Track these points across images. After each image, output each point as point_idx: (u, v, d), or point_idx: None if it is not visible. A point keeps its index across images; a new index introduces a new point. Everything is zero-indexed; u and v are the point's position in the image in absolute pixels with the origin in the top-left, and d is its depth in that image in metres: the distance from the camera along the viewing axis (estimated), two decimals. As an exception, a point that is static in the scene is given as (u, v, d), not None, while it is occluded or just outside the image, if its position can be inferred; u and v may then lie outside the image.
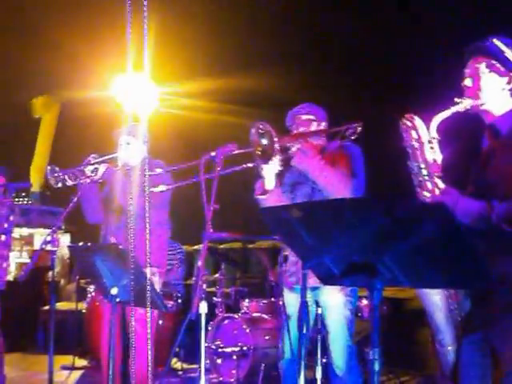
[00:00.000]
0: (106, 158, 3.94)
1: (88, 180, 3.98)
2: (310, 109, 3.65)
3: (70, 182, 3.91)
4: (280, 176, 3.40)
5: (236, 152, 3.26)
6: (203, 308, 3.12)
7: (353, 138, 3.41)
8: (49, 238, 3.57)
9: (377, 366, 2.10)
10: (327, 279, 2.56)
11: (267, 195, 3.34)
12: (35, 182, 10.26)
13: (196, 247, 8.81)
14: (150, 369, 4.00)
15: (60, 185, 3.91)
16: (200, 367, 5.20)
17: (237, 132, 3.53)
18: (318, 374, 3.34)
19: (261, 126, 3.08)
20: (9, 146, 10.99)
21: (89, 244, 3.78)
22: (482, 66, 2.48)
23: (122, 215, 4.05)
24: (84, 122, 10.32)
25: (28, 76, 10.99)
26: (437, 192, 2.42)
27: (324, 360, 3.48)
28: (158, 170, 3.86)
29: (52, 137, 12.20)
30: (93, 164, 3.95)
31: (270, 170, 3.28)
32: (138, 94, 8.88)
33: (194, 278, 6.74)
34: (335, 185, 3.34)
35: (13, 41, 10.38)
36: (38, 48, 10.22)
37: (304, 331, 3.01)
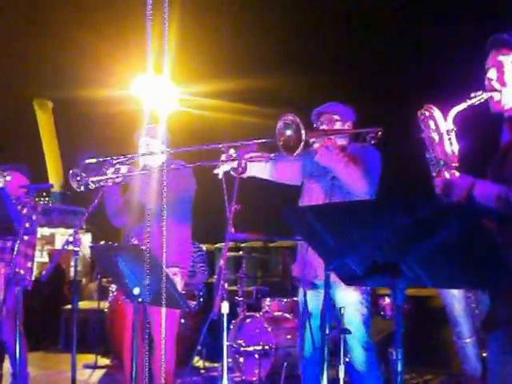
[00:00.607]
0: (127, 159, 3.93)
1: (110, 182, 3.98)
2: (336, 108, 3.66)
3: (92, 185, 3.91)
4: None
5: (256, 143, 3.28)
6: (225, 308, 3.11)
7: (373, 142, 3.43)
8: (71, 239, 3.57)
9: (400, 367, 2.09)
10: (350, 280, 2.55)
11: (247, 171, 3.46)
12: (54, 182, 10.36)
13: (217, 245, 8.82)
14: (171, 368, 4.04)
15: (82, 188, 3.91)
16: (222, 366, 5.22)
17: (256, 132, 3.53)
18: (341, 374, 3.32)
19: (290, 117, 3.09)
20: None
21: (110, 244, 3.80)
22: (506, 59, 2.43)
23: (143, 216, 4.07)
24: (105, 121, 10.39)
25: (48, 75, 11.09)
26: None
27: (347, 359, 3.47)
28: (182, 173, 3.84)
29: (54, 135, 12.30)
30: (114, 165, 3.95)
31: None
32: (157, 94, 8.92)
33: (215, 277, 6.75)
34: (356, 183, 3.37)
35: (34, 40, 10.47)
36: (59, 47, 10.30)
37: (327, 331, 2.99)
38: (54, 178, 11.54)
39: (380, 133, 3.42)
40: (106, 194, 4.13)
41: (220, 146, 3.27)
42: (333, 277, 3.00)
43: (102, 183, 3.91)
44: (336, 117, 3.64)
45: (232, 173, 3.36)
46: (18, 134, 11.57)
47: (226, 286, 3.23)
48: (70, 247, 3.99)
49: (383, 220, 2.05)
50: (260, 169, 3.55)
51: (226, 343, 3.19)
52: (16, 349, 4.25)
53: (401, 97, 6.54)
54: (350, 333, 3.41)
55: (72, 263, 8.58)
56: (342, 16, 7.90)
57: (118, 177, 3.95)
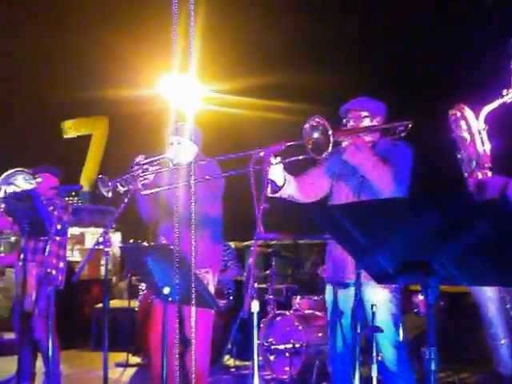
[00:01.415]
0: (155, 158, 3.93)
1: (139, 184, 3.98)
2: (364, 104, 3.60)
3: (121, 189, 3.91)
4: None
5: (286, 146, 3.24)
6: (255, 307, 3.09)
7: (402, 135, 3.38)
8: (101, 239, 3.59)
9: (433, 366, 2.05)
10: (381, 278, 2.51)
11: (281, 191, 3.36)
12: (86, 182, 10.47)
13: (246, 243, 8.83)
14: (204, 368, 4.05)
15: (111, 194, 3.92)
16: (253, 365, 5.21)
17: (284, 129, 3.51)
18: (374, 372, 3.29)
19: (316, 119, 3.06)
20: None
21: (140, 244, 3.81)
22: None
23: (172, 215, 4.07)
24: (133, 120, 10.46)
25: (76, 75, 11.18)
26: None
27: (380, 358, 3.44)
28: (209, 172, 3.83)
29: (102, 150, 12.41)
30: (142, 166, 3.95)
31: (278, 170, 3.29)
32: (184, 93, 8.93)
33: (245, 275, 6.74)
34: (385, 182, 3.33)
35: (62, 40, 10.56)
36: (86, 47, 10.39)
37: (358, 330, 2.96)
38: (85, 177, 11.66)
39: (410, 125, 3.35)
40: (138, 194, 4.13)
41: (251, 152, 3.20)
42: (363, 275, 2.97)
43: (130, 186, 3.91)
44: (364, 113, 3.58)
45: (268, 192, 3.31)
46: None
47: (255, 284, 3.21)
48: (101, 247, 4.01)
49: (415, 218, 2.03)
50: (294, 189, 3.46)
51: (256, 342, 3.16)
52: (49, 348, 4.29)
53: (431, 94, 6.46)
54: (381, 331, 3.38)
55: (102, 262, 8.71)
56: (372, 12, 7.83)
57: (146, 178, 3.94)
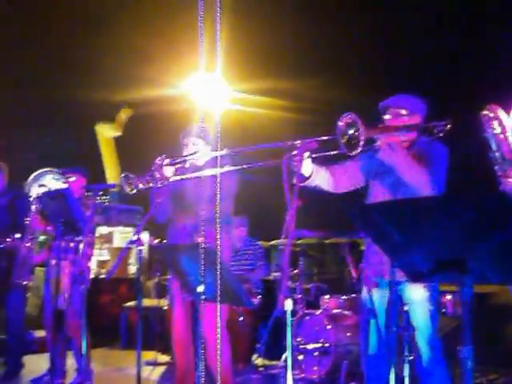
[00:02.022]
0: (175, 159, 3.96)
1: (159, 183, 4.01)
2: (403, 101, 3.56)
3: (142, 187, 3.95)
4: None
5: (316, 146, 3.24)
6: (288, 305, 3.10)
7: (440, 135, 3.35)
8: (134, 238, 3.62)
9: (469, 364, 2.05)
10: (415, 276, 2.51)
11: (309, 180, 3.38)
12: (112, 181, 10.55)
13: (272, 243, 8.83)
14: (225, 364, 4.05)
15: (135, 191, 3.96)
16: (287, 364, 5.21)
17: (310, 130, 3.49)
18: (406, 371, 3.29)
19: (349, 116, 3.05)
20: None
21: (174, 243, 3.84)
22: None
23: (189, 214, 4.10)
24: (158, 120, 10.50)
25: (101, 76, 11.25)
26: None
27: (411, 357, 3.42)
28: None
29: (114, 147, 12.46)
30: (163, 167, 3.97)
31: (306, 165, 3.32)
32: (210, 93, 8.97)
33: (273, 274, 6.75)
34: (420, 182, 3.32)
35: (86, 40, 10.64)
36: (112, 47, 10.45)
37: (394, 328, 2.95)
38: (112, 176, 11.73)
39: (448, 125, 3.33)
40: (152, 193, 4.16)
41: (285, 144, 3.22)
42: (400, 274, 2.95)
43: (151, 184, 3.94)
44: (403, 111, 3.54)
45: (294, 181, 3.32)
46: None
47: (289, 283, 3.21)
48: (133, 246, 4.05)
49: (450, 216, 2.03)
50: (323, 179, 3.48)
51: (289, 340, 3.16)
52: (81, 346, 4.33)
53: (465, 93, 6.41)
54: (414, 330, 3.37)
55: (129, 261, 8.77)
56: (404, 13, 7.79)
57: (166, 178, 3.96)
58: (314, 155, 3.27)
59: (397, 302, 3.09)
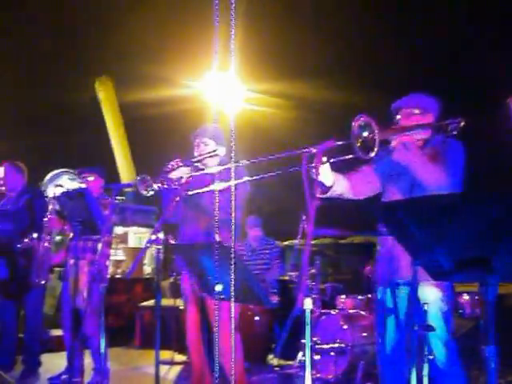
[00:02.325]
0: (188, 160, 3.98)
1: (173, 185, 4.02)
2: (415, 101, 3.55)
3: (156, 188, 3.97)
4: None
5: (336, 145, 3.22)
6: (308, 304, 3.09)
7: (455, 133, 3.32)
8: (153, 237, 3.63)
9: (493, 365, 2.04)
10: (437, 275, 2.49)
11: (331, 190, 3.35)
12: (128, 180, 10.58)
13: (286, 243, 8.84)
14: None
15: (151, 192, 3.97)
16: (303, 364, 5.21)
17: (322, 132, 3.49)
18: (425, 371, 3.27)
19: (362, 118, 3.04)
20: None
21: (194, 242, 3.85)
22: None
23: (202, 217, 4.11)
24: (174, 120, 10.54)
25: (116, 76, 11.31)
26: None
27: (431, 357, 3.41)
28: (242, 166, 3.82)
29: (121, 121, 12.42)
30: (176, 169, 3.98)
31: (325, 170, 3.28)
32: (224, 92, 8.99)
33: (289, 273, 6.74)
34: (435, 180, 3.29)
35: (100, 41, 10.70)
36: (126, 47, 10.50)
37: (415, 328, 2.94)
38: (126, 176, 11.78)
39: (462, 123, 3.30)
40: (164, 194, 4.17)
41: (302, 151, 3.19)
42: (418, 274, 2.94)
43: (165, 186, 3.96)
44: (416, 110, 3.53)
45: (318, 194, 3.30)
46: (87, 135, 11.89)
47: (308, 281, 3.21)
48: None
49: (475, 213, 2.01)
50: (344, 187, 3.45)
51: (309, 339, 3.15)
52: (99, 344, 4.35)
53: (483, 87, 6.39)
54: (433, 330, 3.35)
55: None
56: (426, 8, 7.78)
57: (179, 179, 3.98)
58: (331, 160, 3.24)
59: (417, 301, 3.08)
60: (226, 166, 3.52)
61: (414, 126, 3.51)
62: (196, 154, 4.32)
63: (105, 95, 12.14)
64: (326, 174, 3.30)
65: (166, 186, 3.97)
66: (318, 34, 8.91)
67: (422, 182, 3.34)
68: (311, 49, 9.13)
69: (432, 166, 3.32)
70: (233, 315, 3.66)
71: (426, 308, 3.36)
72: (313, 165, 3.09)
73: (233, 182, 3.43)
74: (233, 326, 3.89)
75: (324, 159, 3.16)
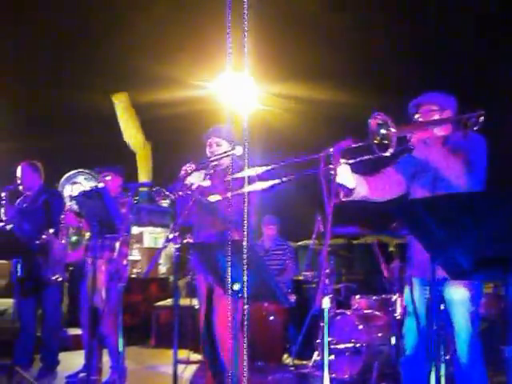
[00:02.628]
0: (203, 162, 4.00)
1: (188, 191, 4.05)
2: (433, 98, 3.54)
3: (172, 196, 4.00)
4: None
5: (353, 144, 3.22)
6: (326, 303, 3.11)
7: (475, 127, 3.30)
8: (171, 236, 3.66)
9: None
10: (456, 274, 2.50)
11: (354, 193, 3.33)
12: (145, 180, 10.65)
13: (299, 243, 8.85)
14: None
15: (168, 202, 4.00)
16: (318, 364, 5.22)
17: (337, 135, 3.48)
18: (443, 371, 3.27)
19: (379, 117, 3.05)
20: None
21: (211, 241, 3.88)
22: None
23: (212, 218, 4.14)
24: (187, 119, 10.57)
25: (129, 77, 11.35)
26: None
27: (447, 357, 3.41)
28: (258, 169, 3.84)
29: (138, 125, 12.49)
30: (190, 174, 4.00)
31: (345, 171, 3.26)
32: (239, 93, 9.01)
33: (303, 274, 6.76)
34: (457, 176, 3.28)
35: (113, 41, 10.74)
36: (140, 48, 10.55)
37: (435, 327, 2.94)
38: (144, 175, 11.84)
39: (482, 117, 3.27)
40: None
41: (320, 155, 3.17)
42: (442, 273, 2.93)
43: (180, 193, 3.98)
44: (434, 107, 3.52)
45: (341, 197, 3.30)
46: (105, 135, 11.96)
47: (326, 281, 3.23)
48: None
49: (496, 212, 2.01)
50: (367, 189, 3.42)
51: (326, 339, 3.17)
52: (116, 343, 4.39)
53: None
54: (454, 330, 3.35)
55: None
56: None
57: (193, 184, 4.00)
58: (350, 161, 3.23)
59: (437, 301, 3.08)
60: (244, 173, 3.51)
61: (432, 120, 3.50)
62: (208, 153, 4.34)
63: (122, 109, 12.31)
64: (345, 175, 3.28)
65: (181, 194, 3.99)
66: (332, 35, 8.92)
67: (445, 177, 3.32)
68: (324, 50, 9.13)
69: (453, 160, 3.29)
70: (245, 312, 3.68)
71: (450, 308, 3.36)
72: (331, 166, 3.11)
73: (247, 188, 3.43)
74: (245, 324, 3.91)
75: (343, 160, 3.16)
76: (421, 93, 3.62)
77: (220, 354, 4.22)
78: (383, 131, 3.05)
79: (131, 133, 12.27)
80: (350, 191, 3.33)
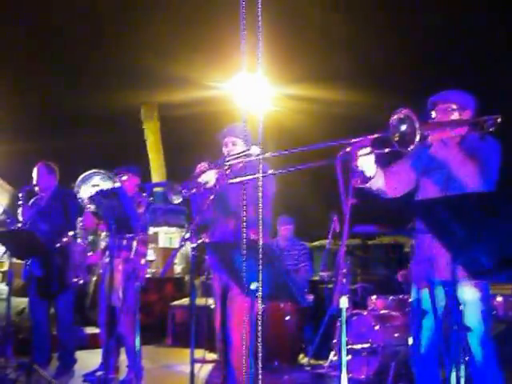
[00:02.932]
0: (240, 154, 3.99)
1: (202, 189, 4.05)
2: (453, 96, 3.53)
3: (186, 195, 4.00)
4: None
5: (372, 139, 3.22)
6: (344, 303, 3.10)
7: (491, 130, 3.30)
8: (187, 236, 3.67)
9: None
10: (477, 274, 2.48)
11: (372, 181, 3.34)
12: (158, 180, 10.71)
13: (314, 243, 8.84)
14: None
15: (180, 199, 4.01)
16: (335, 364, 5.21)
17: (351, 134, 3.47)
18: (462, 372, 3.25)
19: (404, 112, 3.04)
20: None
21: (228, 240, 3.88)
22: None
23: (231, 217, 4.14)
24: (201, 120, 10.60)
25: (144, 77, 11.38)
26: None
27: (467, 358, 3.39)
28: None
29: (159, 137, 12.57)
30: (204, 172, 4.01)
31: (369, 161, 3.26)
32: (253, 94, 9.02)
33: (319, 274, 6.75)
34: (471, 177, 3.28)
35: (129, 42, 10.79)
36: (154, 49, 10.58)
37: (455, 327, 2.93)
38: (158, 177, 11.90)
39: (499, 120, 3.27)
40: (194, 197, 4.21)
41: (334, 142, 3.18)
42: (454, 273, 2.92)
43: (194, 190, 3.98)
44: (453, 106, 3.51)
45: (358, 183, 3.29)
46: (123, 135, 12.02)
47: (344, 280, 3.21)
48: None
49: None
50: (383, 181, 3.44)
51: (344, 339, 3.16)
52: (134, 342, 4.41)
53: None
54: (470, 330, 3.34)
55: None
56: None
57: (208, 183, 4.00)
58: (375, 151, 3.21)
59: (455, 301, 3.06)
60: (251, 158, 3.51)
61: (452, 121, 3.49)
62: (225, 153, 4.34)
63: (148, 125, 12.43)
64: (368, 163, 3.28)
65: (194, 191, 3.99)
66: (345, 37, 8.90)
67: (458, 178, 3.34)
68: (337, 51, 9.13)
69: (469, 164, 3.30)
70: (259, 312, 3.69)
71: (464, 308, 3.35)
72: (348, 150, 3.08)
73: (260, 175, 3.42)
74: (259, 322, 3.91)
75: (366, 150, 3.15)
76: (434, 92, 3.61)
77: (230, 354, 4.22)
78: (404, 128, 3.05)
79: (155, 165, 12.36)
80: (367, 179, 3.32)
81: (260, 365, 3.85)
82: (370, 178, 3.33)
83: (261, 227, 3.21)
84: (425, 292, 3.53)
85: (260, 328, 3.76)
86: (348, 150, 3.17)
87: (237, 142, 4.32)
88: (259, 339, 3.92)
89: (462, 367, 3.25)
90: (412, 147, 3.02)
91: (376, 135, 3.19)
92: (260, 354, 3.90)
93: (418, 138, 2.98)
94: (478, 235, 2.22)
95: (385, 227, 5.45)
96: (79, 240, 5.44)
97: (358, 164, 3.20)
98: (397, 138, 3.08)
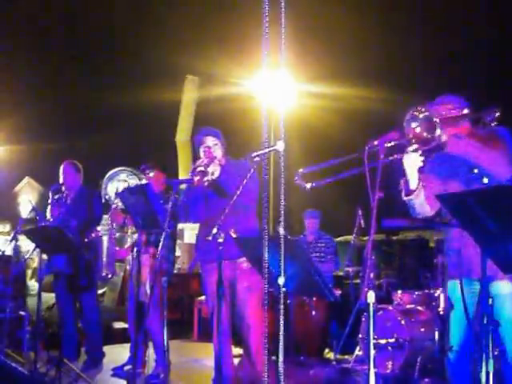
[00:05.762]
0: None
1: (191, 185, 4.08)
2: (446, 98, 3.52)
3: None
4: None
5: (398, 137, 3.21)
6: (371, 297, 3.11)
7: (493, 124, 3.28)
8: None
9: None
10: (509, 267, 2.47)
11: (413, 195, 3.29)
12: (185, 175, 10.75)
13: (339, 239, 8.85)
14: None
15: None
16: (361, 359, 5.21)
17: (373, 132, 3.46)
18: (491, 367, 3.24)
19: (422, 110, 3.03)
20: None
21: (258, 235, 3.90)
22: None
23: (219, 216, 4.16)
24: (224, 117, 10.63)
25: (168, 75, 11.44)
26: None
27: (496, 352, 3.37)
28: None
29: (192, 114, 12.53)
30: (203, 169, 4.03)
31: (415, 161, 3.22)
32: (276, 91, 9.03)
33: (346, 269, 6.75)
34: (496, 165, 3.23)
35: (150, 41, 10.85)
36: (177, 47, 10.63)
37: (485, 322, 2.92)
38: (185, 174, 11.96)
39: (498, 113, 3.24)
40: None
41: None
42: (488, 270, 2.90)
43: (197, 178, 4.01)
44: (449, 106, 3.49)
45: (403, 195, 3.29)
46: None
47: (371, 275, 3.22)
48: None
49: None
50: (422, 199, 3.37)
51: (372, 333, 3.16)
52: (161, 337, 4.46)
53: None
54: (499, 325, 3.31)
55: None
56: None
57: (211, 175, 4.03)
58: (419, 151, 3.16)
59: (487, 296, 3.04)
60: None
61: (455, 116, 3.47)
62: (204, 151, 4.29)
63: (187, 95, 12.36)
64: (413, 167, 3.22)
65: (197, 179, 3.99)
66: (369, 34, 8.88)
67: (481, 167, 3.28)
68: (361, 49, 9.11)
69: (487, 149, 3.23)
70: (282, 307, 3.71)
71: (496, 302, 3.32)
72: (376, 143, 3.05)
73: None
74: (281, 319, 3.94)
75: (412, 147, 3.12)
76: (455, 90, 3.61)
77: (251, 343, 4.25)
78: (422, 125, 3.04)
79: (183, 125, 12.31)
80: (410, 191, 3.29)
81: (281, 358, 3.89)
82: (412, 191, 3.30)
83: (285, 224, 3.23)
84: (457, 287, 3.51)
85: (285, 321, 3.79)
86: (376, 142, 3.18)
87: (217, 144, 4.29)
88: (283, 334, 3.96)
89: (491, 362, 3.25)
90: (434, 144, 3.02)
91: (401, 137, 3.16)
92: (283, 348, 3.94)
93: (438, 134, 2.98)
94: (510, 229, 2.21)
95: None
96: (107, 236, 5.51)
97: (404, 166, 3.18)
98: (415, 138, 3.07)
